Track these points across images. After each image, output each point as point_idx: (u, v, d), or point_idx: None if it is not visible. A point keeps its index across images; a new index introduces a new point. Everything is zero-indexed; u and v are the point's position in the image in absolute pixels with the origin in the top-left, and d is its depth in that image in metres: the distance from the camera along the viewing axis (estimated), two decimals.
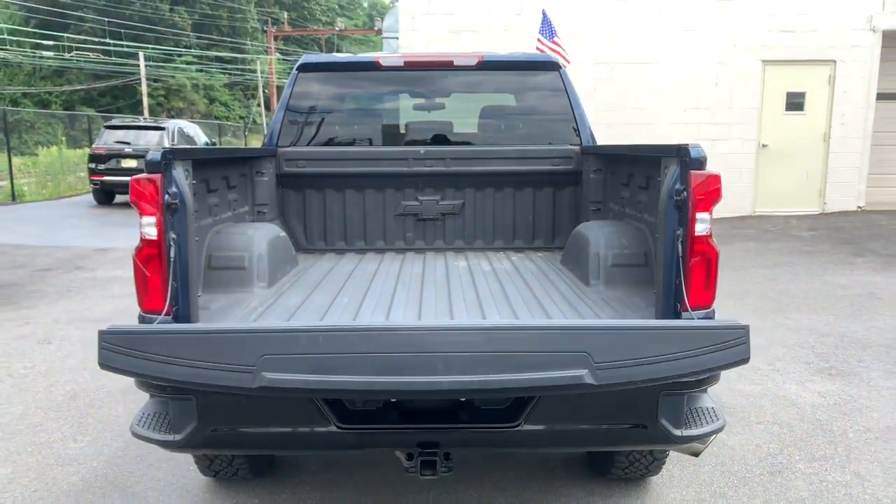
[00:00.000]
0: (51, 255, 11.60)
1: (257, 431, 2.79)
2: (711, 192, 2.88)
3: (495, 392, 2.43)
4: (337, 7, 74.47)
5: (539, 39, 10.95)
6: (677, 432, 2.73)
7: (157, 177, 2.90)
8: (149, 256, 2.94)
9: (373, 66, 5.11)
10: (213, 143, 20.12)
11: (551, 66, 5.16)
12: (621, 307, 3.36)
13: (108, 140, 17.81)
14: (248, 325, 2.39)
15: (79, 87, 53.30)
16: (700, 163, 2.87)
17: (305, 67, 5.13)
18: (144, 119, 23.34)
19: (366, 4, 77.57)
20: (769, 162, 13.56)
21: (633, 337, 2.32)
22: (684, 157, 2.89)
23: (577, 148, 5.08)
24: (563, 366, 2.27)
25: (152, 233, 2.93)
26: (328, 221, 5.15)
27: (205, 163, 3.70)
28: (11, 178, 19.70)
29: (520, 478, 4.07)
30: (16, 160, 21.59)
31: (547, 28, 10.90)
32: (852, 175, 13.62)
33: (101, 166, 17.42)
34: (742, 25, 13.18)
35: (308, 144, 5.15)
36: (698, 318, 2.91)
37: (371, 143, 5.24)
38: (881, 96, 13.49)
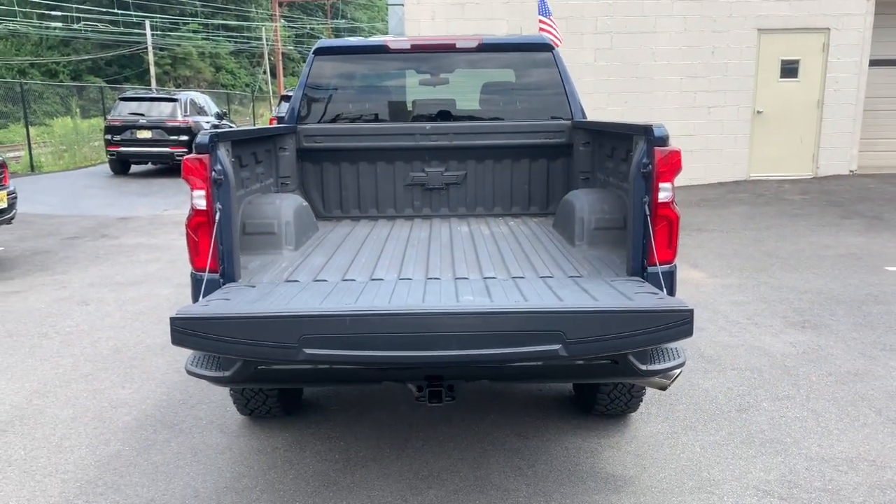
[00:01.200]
0: (76, 223, 12.20)
1: (293, 368, 3.37)
2: (672, 165, 3.40)
3: (489, 363, 2.98)
4: None
5: (540, 20, 11.37)
6: (643, 367, 3.28)
7: (205, 156, 3.44)
8: (199, 224, 3.50)
9: (382, 50, 5.61)
10: (224, 113, 20.60)
11: (545, 48, 5.65)
12: (600, 264, 3.91)
13: (122, 112, 18.32)
14: (290, 310, 2.86)
15: (86, 57, 53.47)
16: (663, 140, 3.39)
17: (321, 51, 5.64)
18: (156, 90, 23.77)
19: None
20: (764, 128, 13.98)
21: (598, 318, 2.84)
22: (650, 136, 3.41)
23: (568, 122, 5.59)
24: (543, 342, 2.81)
25: (202, 204, 3.48)
26: (343, 191, 5.69)
27: (240, 142, 4.23)
28: (30, 149, 20.26)
29: (516, 414, 4.66)
30: (31, 130, 22.13)
31: (543, 7, 11.33)
32: (845, 140, 14.04)
33: (117, 137, 17.95)
34: None
35: (325, 121, 5.67)
36: (662, 273, 3.45)
37: (382, 120, 5.75)
38: (874, 62, 13.84)
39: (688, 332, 2.87)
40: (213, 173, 3.45)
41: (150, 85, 44.27)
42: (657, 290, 3.21)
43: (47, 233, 11.37)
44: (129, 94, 20.40)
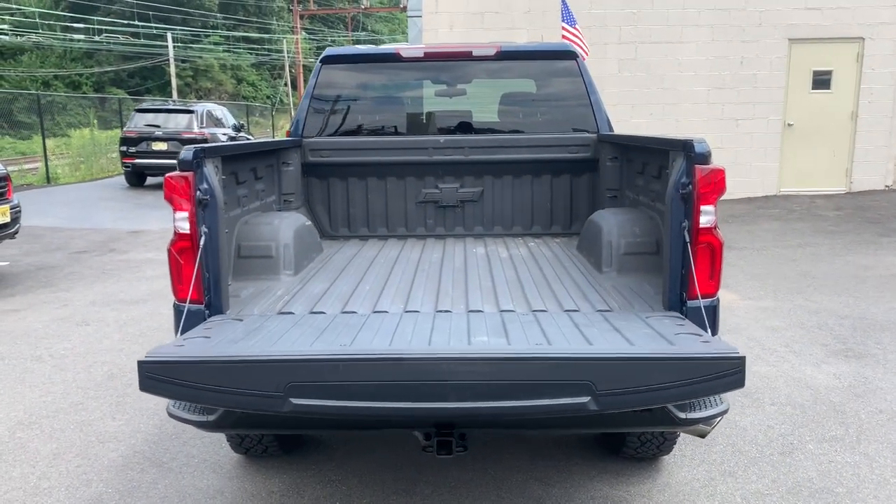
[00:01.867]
0: (85, 237, 11.95)
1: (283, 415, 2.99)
2: (716, 185, 2.99)
3: (506, 417, 2.57)
4: None
5: (563, 28, 10.96)
6: (682, 415, 2.87)
7: (189, 174, 3.08)
8: (182, 249, 3.13)
9: (394, 58, 5.25)
10: (242, 126, 20.40)
11: (568, 55, 5.26)
12: (631, 295, 3.50)
13: (138, 123, 18.16)
14: (275, 353, 2.50)
15: (108, 69, 53.92)
16: (704, 157, 2.98)
17: (329, 60, 5.29)
18: (174, 102, 23.66)
19: None
20: (795, 141, 13.48)
21: (634, 367, 2.43)
22: (689, 152, 3.01)
23: (594, 136, 5.19)
24: (569, 393, 2.40)
25: (185, 227, 3.12)
26: (351, 209, 5.32)
27: (234, 157, 3.87)
28: (46, 162, 20.16)
29: (536, 455, 4.24)
30: (49, 142, 22.06)
31: (568, 15, 10.93)
32: (880, 154, 13.51)
33: (133, 149, 17.78)
34: (768, 3, 13.06)
35: (332, 134, 5.31)
36: (704, 307, 3.04)
37: (392, 133, 5.39)
38: None
39: (739, 383, 2.45)
40: (199, 193, 3.09)
41: (171, 96, 44.42)
42: (700, 331, 2.80)
43: (56, 247, 11.12)
44: (145, 105, 20.27)
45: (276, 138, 4.89)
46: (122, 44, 51.97)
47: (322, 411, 2.47)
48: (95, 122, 25.51)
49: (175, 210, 3.12)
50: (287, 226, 4.11)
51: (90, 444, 4.46)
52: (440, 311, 3.24)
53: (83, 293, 8.25)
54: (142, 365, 2.48)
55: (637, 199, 4.45)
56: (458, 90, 5.55)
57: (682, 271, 3.10)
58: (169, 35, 48.83)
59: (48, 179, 20.15)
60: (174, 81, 48.39)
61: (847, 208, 12.43)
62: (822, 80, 13.32)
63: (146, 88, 53.22)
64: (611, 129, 5.24)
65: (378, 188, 5.30)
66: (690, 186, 3.01)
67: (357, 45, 5.49)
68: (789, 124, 13.43)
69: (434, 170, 5.26)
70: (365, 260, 4.45)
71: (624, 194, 4.86)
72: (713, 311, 3.09)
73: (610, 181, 4.98)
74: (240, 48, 61.74)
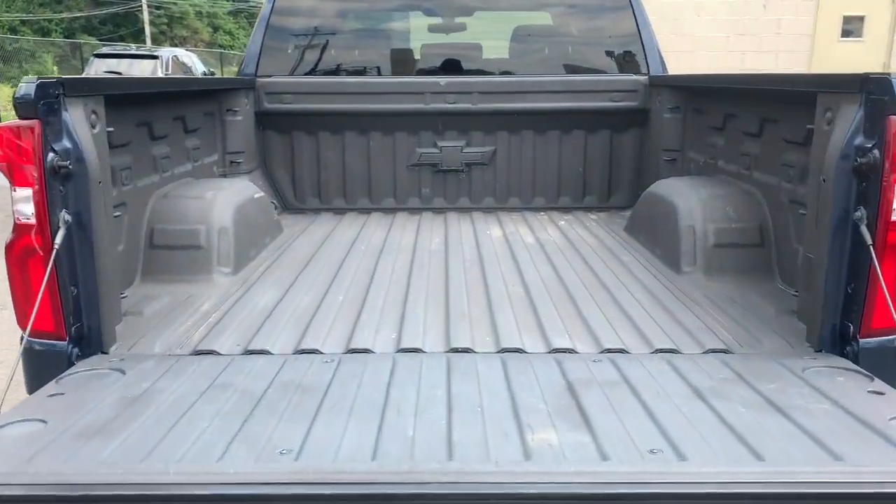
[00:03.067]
0: None
1: None
2: None
3: None
4: None
5: None
6: None
7: (34, 124, 1.82)
8: (28, 250, 1.89)
9: None
10: (212, 73, 18.87)
11: None
12: (742, 315, 2.29)
13: (97, 70, 16.58)
14: (134, 476, 1.32)
15: (79, 14, 51.64)
16: None
17: None
18: (137, 47, 21.98)
19: None
20: None
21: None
22: (879, 95, 1.79)
23: (642, 79, 3.94)
24: None
25: (29, 212, 1.87)
26: (323, 173, 4.06)
27: (137, 99, 2.60)
28: None
29: None
30: (7, 90, 20.42)
31: None
32: None
33: None
34: None
35: (296, 74, 4.03)
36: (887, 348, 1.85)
37: (377, 73, 4.11)
38: None
39: None
40: (53, 156, 1.83)
41: (145, 44, 42.45)
42: None
43: None
44: (104, 49, 18.65)
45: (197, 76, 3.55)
46: None
47: None
48: (55, 69, 23.80)
49: (13, 185, 1.87)
50: (225, 200, 2.86)
51: None
52: (456, 351, 2.02)
53: None
54: None
55: (713, 165, 3.24)
56: (458, 25, 4.28)
57: (847, 289, 1.90)
58: None
59: None
60: (148, 29, 46.25)
61: None
62: (852, 28, 12.07)
63: (119, 36, 50.96)
64: (664, 69, 4.00)
65: (358, 146, 4.04)
66: (876, 153, 1.79)
67: None
68: None
69: (431, 122, 4.00)
70: (339, 247, 3.21)
71: (687, 157, 3.63)
72: None
73: (668, 139, 3.74)
74: None
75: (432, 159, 4.04)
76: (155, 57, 16.83)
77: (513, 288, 2.60)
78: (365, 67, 4.11)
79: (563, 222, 3.73)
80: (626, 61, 4.04)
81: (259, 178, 3.90)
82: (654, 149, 3.84)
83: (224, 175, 3.67)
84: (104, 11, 52.76)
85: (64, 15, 51.09)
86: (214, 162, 3.57)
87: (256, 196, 3.18)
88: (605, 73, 4.02)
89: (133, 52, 17.80)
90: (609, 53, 4.08)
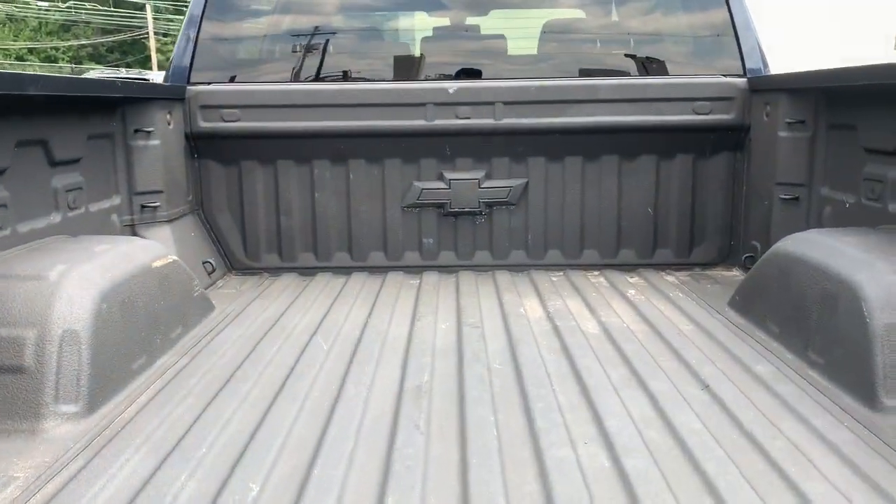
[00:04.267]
0: None
1: None
2: None
3: None
4: None
5: None
6: None
7: None
8: None
9: None
10: None
11: None
12: None
13: None
14: None
15: (86, 42, 51.42)
16: None
17: None
18: (127, 71, 21.05)
19: None
20: None
21: None
22: None
23: (739, 82, 2.75)
24: None
25: None
26: (284, 218, 2.88)
27: None
28: None
29: None
30: None
31: None
32: None
33: None
34: None
35: (246, 79, 2.87)
36: None
37: (360, 77, 2.94)
38: None
39: None
40: None
41: (152, 71, 41.94)
42: None
43: None
44: (92, 74, 17.73)
45: (123, 75, 2.35)
46: (100, 12, 49.33)
47: None
48: None
49: None
50: (83, 280, 1.67)
51: None
52: None
53: None
54: None
55: (878, 209, 2.04)
56: (469, 27, 3.13)
57: None
58: (148, 6, 46.19)
59: None
60: (154, 56, 45.71)
61: None
62: None
63: (126, 63, 50.65)
64: (766, 67, 2.81)
65: (333, 179, 2.86)
66: None
67: None
68: None
69: (436, 145, 2.82)
70: (286, 348, 2.01)
71: (819, 196, 2.42)
72: None
73: (786, 168, 2.51)
74: None
75: (438, 197, 2.85)
76: (145, 80, 15.83)
77: (586, 448, 1.39)
78: (344, 71, 2.94)
79: (631, 291, 2.52)
80: (713, 57, 2.85)
81: (190, 227, 2.72)
82: (761, 182, 2.63)
83: (132, 226, 2.49)
84: (111, 39, 52.59)
85: (71, 42, 50.90)
86: (113, 208, 2.39)
87: (158, 264, 1.99)
88: (683, 74, 2.84)
89: (122, 76, 16.80)
90: (686, 46, 2.91)
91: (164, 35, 52.92)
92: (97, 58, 50.54)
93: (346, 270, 2.86)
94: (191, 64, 2.80)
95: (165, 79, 2.87)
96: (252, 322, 2.22)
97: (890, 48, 10.73)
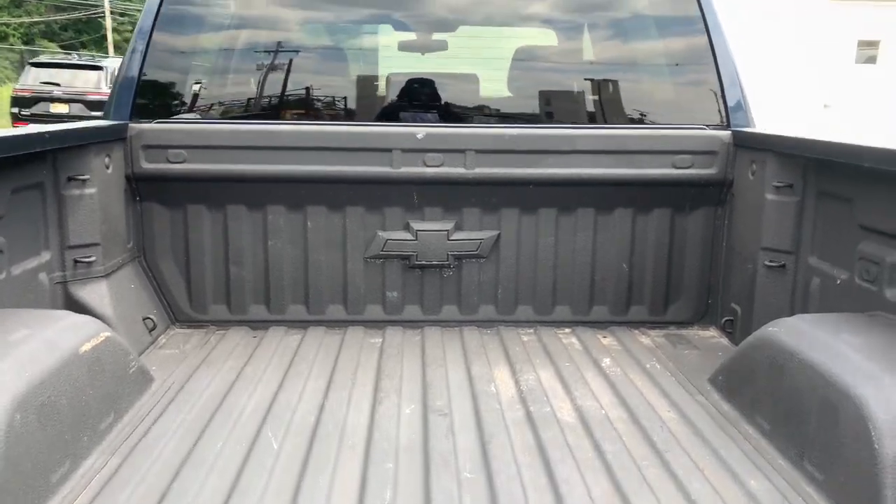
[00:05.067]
0: None
1: None
2: None
3: None
4: None
5: None
6: None
7: None
8: None
9: None
10: None
11: None
12: None
13: (34, 79, 14.96)
14: None
15: (39, 20, 49.86)
16: None
17: None
18: (79, 56, 20.32)
19: None
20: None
21: None
22: None
23: (722, 134, 2.61)
24: None
25: None
26: (234, 268, 2.66)
27: None
28: None
29: None
30: None
31: None
32: None
33: (26, 111, 14.53)
34: None
35: (194, 116, 2.64)
36: None
37: (319, 116, 2.73)
38: None
39: None
40: None
41: (108, 52, 40.73)
42: None
43: None
44: (42, 58, 17.07)
45: (53, 127, 2.10)
46: None
47: None
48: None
49: None
50: None
51: None
52: None
53: None
54: None
55: (872, 293, 1.91)
56: (437, 42, 2.95)
57: None
58: None
59: None
60: (111, 36, 44.47)
61: None
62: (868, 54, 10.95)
63: (80, 42, 49.24)
64: (751, 120, 2.67)
65: (289, 227, 2.65)
66: None
67: None
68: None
69: (403, 194, 2.63)
70: (238, 441, 1.81)
71: (807, 265, 2.28)
72: None
73: (772, 233, 2.37)
74: None
75: (403, 249, 2.66)
76: (99, 68, 15.21)
77: None
78: (303, 108, 2.73)
79: (606, 360, 2.36)
80: (694, 106, 2.71)
81: (130, 278, 2.49)
82: (744, 244, 2.49)
83: (63, 284, 2.26)
84: (65, 17, 51.09)
85: (23, 19, 49.29)
86: (41, 266, 2.15)
87: (88, 348, 1.77)
88: (663, 124, 2.68)
89: (74, 61, 16.17)
90: (668, 94, 2.76)
91: (122, 15, 51.57)
92: (50, 35, 49.02)
93: (301, 325, 2.66)
94: (134, 97, 2.56)
95: (105, 112, 2.62)
96: (194, 402, 2.00)
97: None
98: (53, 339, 1.69)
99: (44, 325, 1.74)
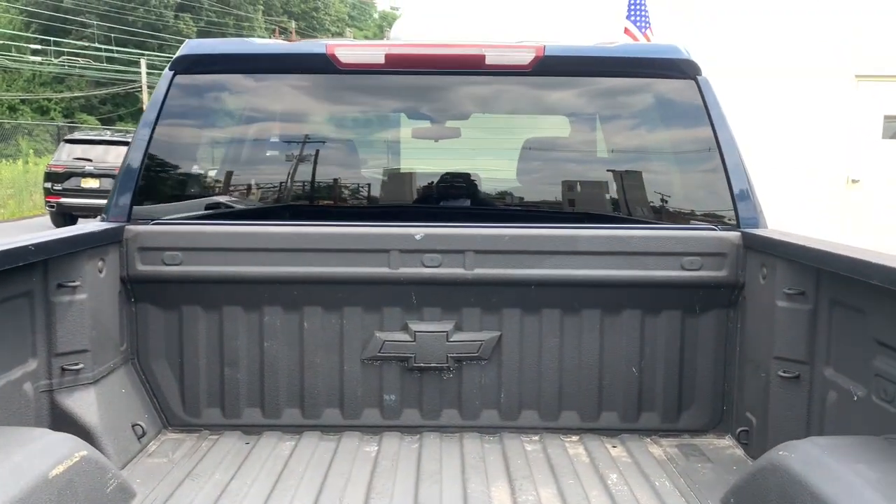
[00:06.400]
0: None
1: None
2: None
3: None
4: (347, 17, 72.00)
5: (627, 30, 7.76)
6: None
7: None
8: None
9: (322, 64, 2.56)
10: None
11: (681, 69, 2.60)
12: None
13: (67, 156, 15.36)
14: None
15: (79, 94, 51.62)
16: None
17: (189, 65, 2.62)
18: (111, 132, 20.87)
19: (377, 15, 74.84)
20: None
21: None
22: None
23: (731, 236, 2.52)
24: None
25: None
26: (228, 370, 2.60)
27: None
28: None
29: None
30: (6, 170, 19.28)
31: (638, 12, 7.82)
32: None
33: (59, 186, 14.90)
34: None
35: (190, 217, 2.63)
36: None
37: (315, 216, 2.70)
38: None
39: None
40: None
41: None
42: None
43: None
44: (76, 135, 17.51)
45: (45, 235, 2.08)
46: (94, 68, 49.72)
47: None
48: (31, 151, 22.70)
49: None
50: None
51: None
52: None
53: None
54: None
55: (894, 416, 1.78)
56: (450, 130, 2.93)
57: None
58: (143, 61, 46.55)
59: None
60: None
61: None
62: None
63: (118, 116, 50.82)
64: (761, 220, 2.59)
65: (285, 328, 2.59)
66: None
67: (245, 38, 2.65)
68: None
69: (401, 294, 2.57)
70: None
71: (823, 377, 2.16)
72: None
73: (784, 342, 2.26)
74: None
75: (401, 351, 2.59)
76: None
77: None
78: (298, 209, 2.71)
79: (613, 476, 2.23)
80: (702, 202, 2.64)
81: (120, 383, 2.43)
82: (757, 352, 2.38)
83: (49, 392, 2.20)
84: (104, 92, 52.85)
85: (64, 95, 51.08)
86: (27, 375, 2.10)
87: (59, 471, 1.69)
88: (670, 224, 2.61)
89: (106, 137, 16.58)
90: (675, 193, 2.69)
91: None
92: (89, 109, 50.67)
93: (296, 430, 2.57)
94: (133, 198, 2.55)
95: (108, 211, 2.62)
96: None
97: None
98: (20, 463, 1.62)
99: (13, 448, 1.67)
